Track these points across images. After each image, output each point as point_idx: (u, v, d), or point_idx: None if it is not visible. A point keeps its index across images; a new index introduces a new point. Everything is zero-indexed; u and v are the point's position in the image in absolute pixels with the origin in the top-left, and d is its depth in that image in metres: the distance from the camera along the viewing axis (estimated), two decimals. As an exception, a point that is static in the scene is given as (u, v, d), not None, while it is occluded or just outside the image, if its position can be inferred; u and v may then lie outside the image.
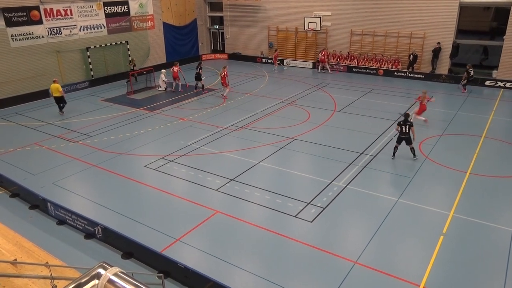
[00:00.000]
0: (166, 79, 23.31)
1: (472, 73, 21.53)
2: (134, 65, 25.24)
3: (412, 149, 13.45)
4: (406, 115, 13.64)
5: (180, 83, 23.08)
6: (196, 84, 23.00)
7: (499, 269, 8.47)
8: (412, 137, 13.31)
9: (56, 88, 18.51)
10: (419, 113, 16.74)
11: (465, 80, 21.69)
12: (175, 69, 22.71)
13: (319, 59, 27.27)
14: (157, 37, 29.55)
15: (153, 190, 12.03)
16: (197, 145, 15.25)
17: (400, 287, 8.00)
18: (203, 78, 22.78)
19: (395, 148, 13.65)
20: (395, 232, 9.80)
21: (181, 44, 31.83)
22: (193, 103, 20.84)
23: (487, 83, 23.01)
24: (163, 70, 23.76)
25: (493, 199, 11.18)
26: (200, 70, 22.47)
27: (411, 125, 13.29)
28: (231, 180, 12.44)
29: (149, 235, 9.78)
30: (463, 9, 24.06)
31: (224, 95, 21.18)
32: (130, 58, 26.09)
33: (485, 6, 24.40)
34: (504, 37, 22.74)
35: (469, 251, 9.05)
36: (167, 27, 30.20)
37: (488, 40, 24.69)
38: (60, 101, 18.99)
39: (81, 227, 10.05)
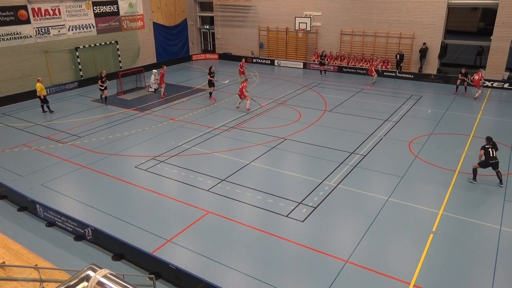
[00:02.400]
0: (158, 79, 23.00)
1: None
2: (104, 79, 20.33)
3: (499, 173, 11.83)
4: (489, 139, 12.04)
5: (163, 89, 21.78)
6: (210, 93, 21.41)
7: (487, 266, 8.59)
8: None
9: (37, 88, 18.80)
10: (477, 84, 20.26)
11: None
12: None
13: (369, 70, 24.26)
14: (147, 37, 29.39)
15: (143, 191, 11.95)
16: (188, 145, 15.20)
17: (391, 286, 8.07)
18: (215, 84, 21.41)
19: (475, 171, 12.03)
20: (385, 230, 9.88)
21: (172, 44, 31.70)
22: (183, 104, 20.76)
23: (475, 83, 23.29)
24: (154, 71, 23.43)
25: (482, 197, 11.33)
26: (209, 76, 20.69)
27: (497, 148, 11.89)
28: (223, 180, 12.42)
29: (140, 236, 9.72)
30: (451, 9, 24.37)
31: (247, 107, 19.13)
32: (101, 73, 20.45)
33: (472, 7, 24.77)
34: (492, 37, 23.07)
35: (458, 249, 9.15)
36: (157, 27, 30.05)
37: (476, 40, 25.07)
38: (43, 101, 19.18)
39: (70, 229, 9.94)
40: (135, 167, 13.50)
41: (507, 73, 23.36)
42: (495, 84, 22.87)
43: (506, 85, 22.60)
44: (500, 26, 22.60)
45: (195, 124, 17.45)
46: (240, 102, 19.37)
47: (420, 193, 11.69)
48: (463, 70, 21.56)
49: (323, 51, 27.29)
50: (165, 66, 22.53)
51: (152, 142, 15.63)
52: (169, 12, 30.95)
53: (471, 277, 8.35)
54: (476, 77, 20.47)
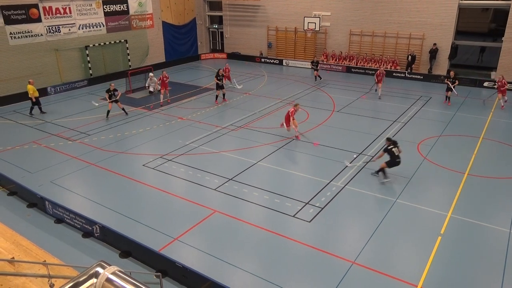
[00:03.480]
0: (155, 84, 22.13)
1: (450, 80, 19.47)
2: (114, 92, 18.35)
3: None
4: (389, 139, 12.23)
5: (162, 94, 20.28)
6: (217, 96, 20.61)
7: (496, 269, 8.49)
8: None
9: (29, 90, 18.38)
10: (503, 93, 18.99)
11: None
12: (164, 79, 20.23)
13: (376, 76, 20.96)
14: (156, 36, 29.52)
15: (151, 189, 12.01)
16: (195, 144, 15.24)
17: (398, 287, 8.03)
18: (224, 87, 20.62)
19: (383, 170, 12.20)
20: (393, 232, 9.81)
21: (180, 43, 31.80)
22: (191, 103, 20.82)
23: (485, 84, 23.06)
24: (150, 74, 22.74)
25: (491, 200, 11.20)
26: (216, 79, 20.04)
27: (398, 145, 12.12)
28: (230, 179, 12.43)
29: (147, 234, 9.76)
30: (462, 10, 24.12)
31: (297, 135, 15.80)
32: (110, 87, 18.44)
33: (484, 7, 24.49)
34: (503, 38, 22.80)
35: (467, 252, 9.07)
36: (166, 26, 30.17)
37: (487, 41, 24.81)
38: (34, 102, 18.77)
39: (79, 226, 10.03)
40: (143, 165, 13.57)
41: (519, 75, 23.08)
42: (506, 86, 22.54)
43: (517, 87, 22.31)
44: (512, 27, 22.35)
45: (203, 123, 17.50)
46: (288, 131, 15.82)
47: (429, 195, 11.60)
48: (452, 73, 19.43)
49: (314, 57, 26.36)
50: (164, 72, 20.58)
51: (160, 141, 15.70)
52: (178, 11, 31.05)
53: (479, 281, 8.26)
54: (499, 83, 19.15)
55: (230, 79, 23.19)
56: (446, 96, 19.98)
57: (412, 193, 11.54)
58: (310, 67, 25.47)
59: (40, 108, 19.17)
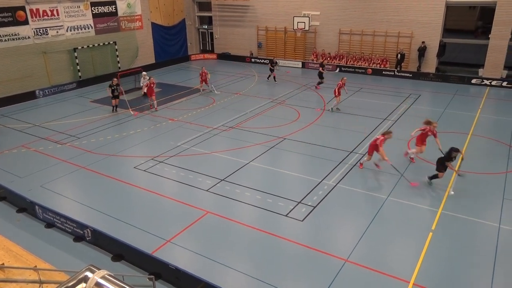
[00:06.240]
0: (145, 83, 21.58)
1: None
2: (116, 87, 19.02)
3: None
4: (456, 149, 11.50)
5: (154, 101, 19.54)
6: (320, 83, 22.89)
7: (487, 264, 8.59)
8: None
9: None
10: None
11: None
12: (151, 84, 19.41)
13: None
14: (145, 37, 29.37)
15: (143, 192, 11.94)
16: (187, 145, 15.19)
17: (390, 284, 8.08)
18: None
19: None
20: (385, 229, 9.89)
21: (170, 44, 31.70)
22: (182, 104, 20.75)
23: (473, 81, 23.34)
24: (143, 73, 22.50)
25: (481, 196, 11.33)
26: (321, 68, 22.50)
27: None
28: (222, 180, 12.42)
29: (140, 236, 9.71)
30: (449, 8, 24.39)
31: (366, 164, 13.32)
32: (113, 81, 19.06)
33: (470, 5, 24.81)
34: (490, 35, 23.11)
35: (458, 247, 9.17)
36: (155, 27, 30.03)
37: (474, 38, 25.15)
38: None
39: (70, 230, 9.93)
40: (134, 167, 13.48)
41: (505, 72, 23.41)
42: (493, 83, 22.89)
43: (504, 84, 22.61)
44: (498, 24, 22.63)
45: (194, 124, 17.45)
46: (377, 161, 12.99)
47: (419, 192, 11.69)
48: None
49: (273, 58, 26.07)
50: (152, 78, 19.84)
51: (151, 143, 15.62)
52: (168, 12, 30.92)
53: (471, 275, 8.37)
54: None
55: (208, 83, 22.39)
56: None
57: (403, 190, 11.63)
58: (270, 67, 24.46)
59: None
